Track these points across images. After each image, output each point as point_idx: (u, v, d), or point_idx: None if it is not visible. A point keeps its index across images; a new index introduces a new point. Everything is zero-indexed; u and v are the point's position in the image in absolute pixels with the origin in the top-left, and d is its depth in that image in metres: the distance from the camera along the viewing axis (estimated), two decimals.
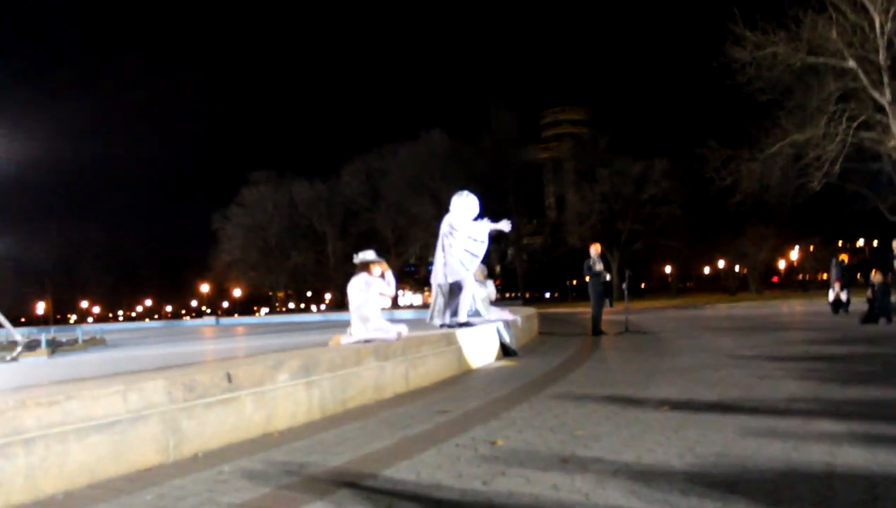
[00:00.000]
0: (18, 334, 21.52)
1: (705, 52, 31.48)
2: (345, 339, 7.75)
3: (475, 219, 10.89)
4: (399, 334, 7.86)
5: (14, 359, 18.36)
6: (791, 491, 3.29)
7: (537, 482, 3.64)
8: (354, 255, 8.18)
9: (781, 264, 76.89)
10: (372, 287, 7.92)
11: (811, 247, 68.95)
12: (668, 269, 77.57)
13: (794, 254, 70.57)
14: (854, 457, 3.82)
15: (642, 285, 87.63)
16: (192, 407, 4.68)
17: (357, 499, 3.50)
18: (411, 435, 5.03)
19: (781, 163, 32.84)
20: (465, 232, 10.65)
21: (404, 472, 3.99)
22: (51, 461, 3.80)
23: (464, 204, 10.82)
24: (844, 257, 21.92)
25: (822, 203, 40.11)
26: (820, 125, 30.42)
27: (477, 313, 11.10)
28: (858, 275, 67.21)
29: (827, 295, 32.26)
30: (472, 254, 10.70)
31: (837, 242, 67.77)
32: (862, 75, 29.04)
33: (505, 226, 11.19)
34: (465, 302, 10.63)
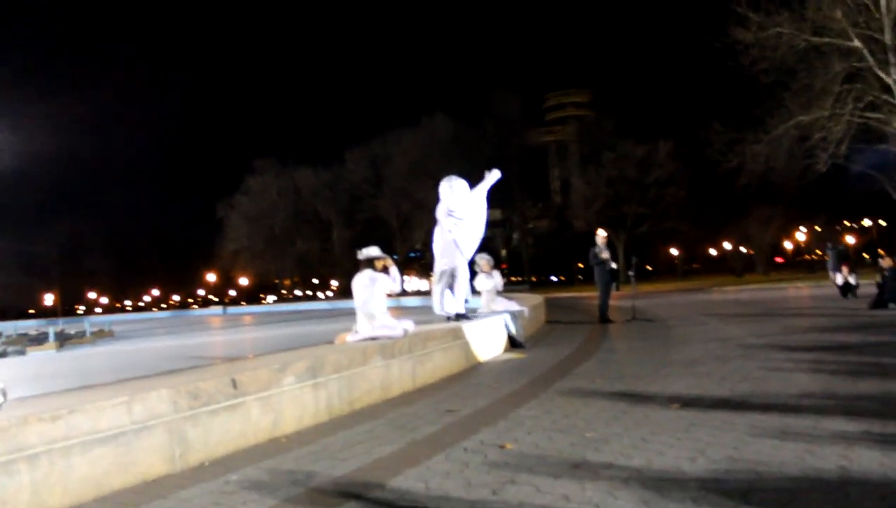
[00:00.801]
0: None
1: (709, 33, 31.26)
2: (350, 337, 7.69)
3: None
4: (405, 331, 7.80)
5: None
6: (805, 499, 3.24)
7: (548, 491, 3.59)
8: (358, 251, 8.10)
9: (788, 245, 76.76)
10: (377, 283, 7.86)
11: (817, 228, 68.75)
12: (674, 252, 77.47)
13: (801, 235, 70.39)
14: (869, 460, 3.75)
15: (648, 268, 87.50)
16: (197, 415, 4.64)
17: None
18: (419, 439, 4.98)
19: (787, 145, 32.57)
20: (464, 209, 10.58)
21: (412, 481, 3.94)
22: (55, 476, 3.76)
23: (454, 188, 10.70)
24: (846, 241, 21.79)
25: (828, 183, 39.84)
26: (826, 106, 30.14)
27: (466, 302, 11.01)
28: (865, 256, 67.15)
29: (829, 277, 32.39)
30: (475, 228, 10.67)
31: (836, 225, 67.42)
32: (868, 55, 28.76)
33: (494, 175, 11.12)
34: (461, 291, 10.56)
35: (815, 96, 30.51)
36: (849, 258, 32.49)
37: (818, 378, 6.50)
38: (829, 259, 32.94)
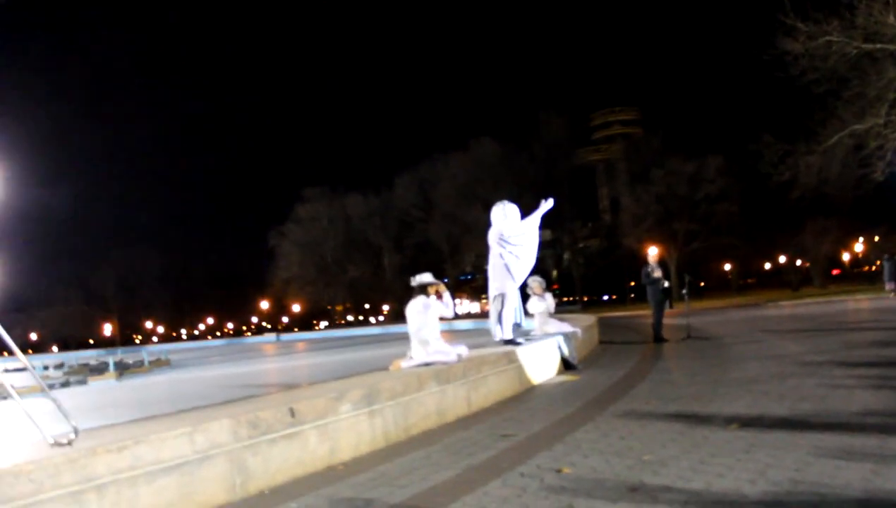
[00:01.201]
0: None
1: (756, 45, 31.04)
2: (405, 363, 7.74)
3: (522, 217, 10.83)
4: (459, 356, 7.82)
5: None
6: None
7: None
8: (412, 279, 8.17)
9: (845, 256, 75.03)
10: (430, 310, 7.90)
11: (876, 238, 67.13)
12: (727, 267, 76.20)
13: (859, 246, 68.77)
14: None
15: (701, 284, 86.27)
16: (256, 444, 4.71)
17: None
18: (475, 464, 4.99)
19: (841, 155, 31.96)
20: (517, 236, 10.57)
21: (470, 507, 3.95)
22: (122, 505, 3.85)
23: (507, 213, 10.72)
24: None
25: (886, 192, 38.97)
26: (880, 113, 29.53)
27: (518, 325, 10.95)
28: None
29: (885, 289, 31.74)
30: (525, 251, 10.62)
31: (855, 240, 65.64)
32: None
33: (548, 204, 11.05)
34: (508, 317, 10.51)
35: (868, 104, 29.92)
36: None
37: (882, 395, 6.35)
38: (885, 269, 32.50)
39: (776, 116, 44.35)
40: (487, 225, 10.88)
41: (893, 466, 4.00)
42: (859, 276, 69.80)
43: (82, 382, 20.47)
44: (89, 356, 46.35)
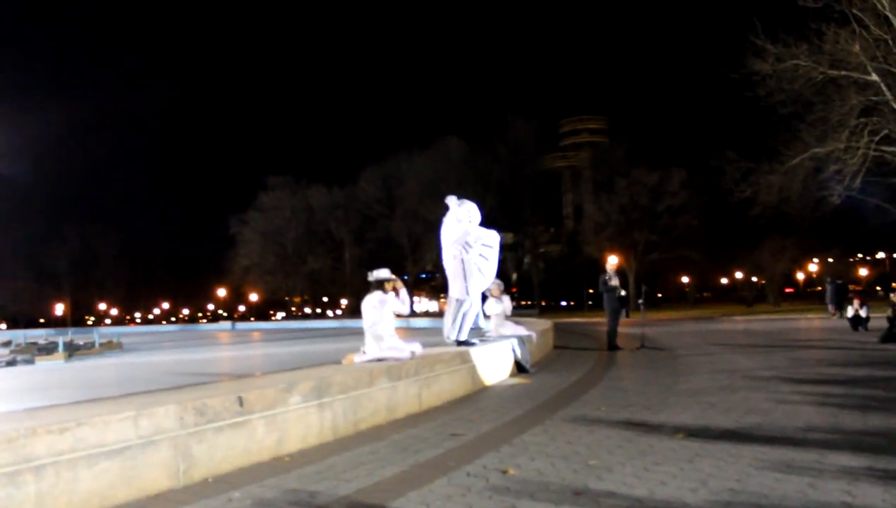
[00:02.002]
0: None
1: (726, 63, 31.28)
2: (358, 358, 7.71)
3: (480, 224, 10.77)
4: (413, 353, 7.82)
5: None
6: None
7: None
8: (369, 273, 8.15)
9: (800, 276, 76.40)
10: (386, 305, 7.89)
11: (829, 259, 68.45)
12: (685, 280, 77.16)
13: (813, 267, 70.10)
14: (873, 497, 3.75)
15: (658, 295, 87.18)
16: (202, 432, 4.67)
17: None
18: (422, 461, 4.99)
19: (801, 176, 32.49)
20: (479, 240, 10.53)
21: (414, 503, 3.95)
22: (61, 488, 3.79)
23: (468, 211, 10.65)
24: (858, 274, 21.94)
25: (842, 215, 39.76)
26: (841, 138, 30.07)
27: (478, 328, 10.95)
28: (878, 289, 66.78)
29: (828, 310, 32.74)
30: (488, 265, 10.57)
31: (848, 258, 67.02)
32: (885, 89, 28.70)
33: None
34: (470, 320, 10.53)
35: (830, 128, 30.46)
36: (847, 292, 33.03)
37: (825, 411, 6.48)
38: (828, 292, 33.60)
39: (741, 134, 44.86)
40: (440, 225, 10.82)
41: (830, 480, 4.09)
42: (812, 296, 71.05)
43: (29, 362, 20.07)
44: (38, 335, 45.48)
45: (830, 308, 32.76)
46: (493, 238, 10.63)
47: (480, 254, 10.45)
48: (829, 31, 28.42)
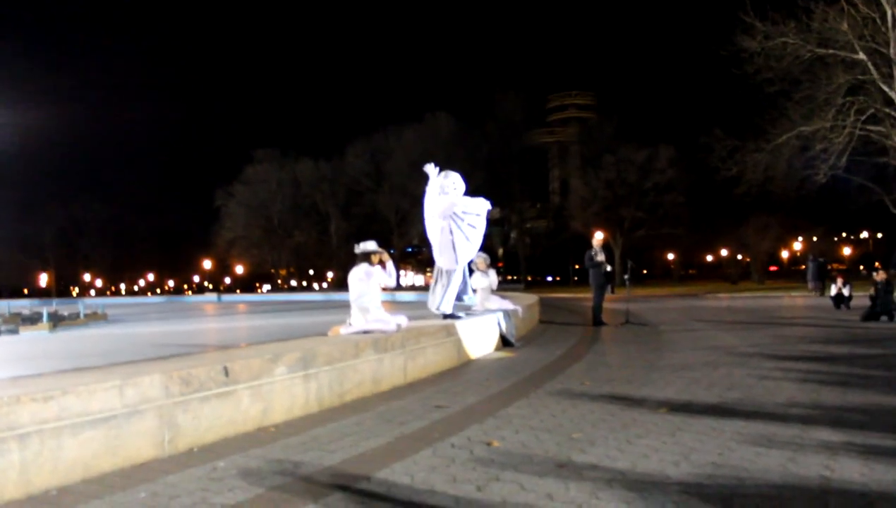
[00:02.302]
0: None
1: (714, 40, 31.36)
2: (344, 330, 7.73)
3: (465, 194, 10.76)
4: (399, 325, 7.84)
5: None
6: (787, 507, 3.28)
7: (532, 489, 3.63)
8: (356, 245, 8.14)
9: (784, 254, 76.94)
10: (372, 278, 7.89)
11: (814, 238, 68.90)
12: (670, 256, 77.51)
13: (798, 245, 70.58)
14: (851, 471, 3.80)
15: (644, 272, 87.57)
16: (188, 401, 4.67)
17: (350, 503, 3.49)
18: (407, 433, 5.02)
19: (788, 155, 32.60)
20: (467, 211, 10.53)
21: (399, 474, 3.98)
22: (45, 456, 3.79)
23: (453, 182, 10.64)
24: (842, 253, 22.21)
25: (826, 194, 39.96)
26: (828, 117, 30.15)
27: (461, 299, 10.96)
28: (861, 268, 67.33)
29: (808, 288, 33.14)
30: (476, 234, 10.58)
31: (833, 236, 67.39)
32: (872, 68, 28.77)
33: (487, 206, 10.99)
34: (453, 292, 10.54)
35: (817, 107, 30.53)
36: (828, 271, 33.47)
37: (806, 387, 6.55)
38: (809, 270, 34.01)
39: (728, 112, 45.09)
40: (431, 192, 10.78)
41: (810, 455, 4.14)
42: (796, 274, 71.60)
43: (13, 332, 20.02)
44: (22, 305, 45.21)
45: (811, 285, 33.15)
46: (481, 206, 10.64)
47: (469, 224, 10.46)
48: (818, 8, 28.42)
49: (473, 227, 10.50)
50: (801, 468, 3.88)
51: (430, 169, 10.77)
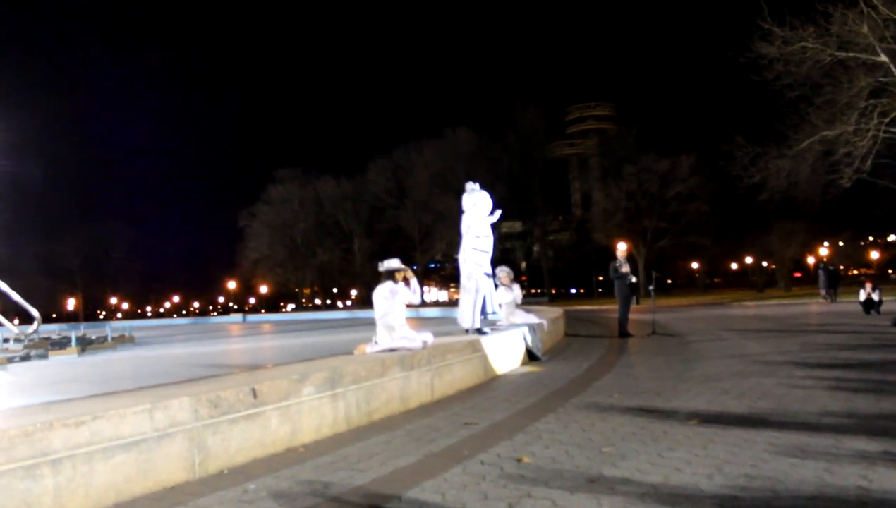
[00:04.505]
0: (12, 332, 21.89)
1: (732, 47, 31.11)
2: (370, 348, 7.73)
3: (491, 212, 10.80)
4: (424, 342, 7.82)
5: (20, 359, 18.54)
6: None
7: (564, 505, 3.60)
8: (379, 264, 8.15)
9: (810, 260, 76.19)
10: (397, 295, 7.89)
11: (840, 243, 68.19)
12: (695, 266, 76.98)
13: (823, 250, 69.88)
14: (890, 481, 3.73)
15: (668, 281, 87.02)
16: (217, 424, 4.68)
17: None
18: (436, 451, 5.00)
19: (811, 160, 32.33)
20: (473, 229, 10.58)
21: (429, 493, 3.96)
22: (78, 481, 3.81)
23: (474, 198, 10.69)
24: (870, 257, 22.04)
25: (852, 199, 39.55)
26: (850, 121, 29.87)
27: (485, 317, 10.95)
28: (890, 272, 66.46)
29: (820, 295, 32.93)
30: (482, 251, 10.61)
31: (860, 241, 66.42)
32: (894, 70, 28.49)
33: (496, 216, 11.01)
34: (477, 307, 10.53)
35: (839, 111, 30.26)
36: (839, 278, 33.36)
37: (839, 396, 6.45)
38: (820, 277, 33.82)
39: (749, 118, 44.78)
40: (460, 212, 10.87)
41: (847, 465, 4.07)
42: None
43: (43, 356, 20.14)
44: (51, 330, 45.66)
45: (822, 292, 32.94)
46: (485, 228, 10.68)
47: (475, 248, 10.50)
48: (837, 12, 28.17)
49: (479, 237, 10.54)
50: (837, 479, 3.82)
51: (468, 186, 10.87)
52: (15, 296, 19.40)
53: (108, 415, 4.03)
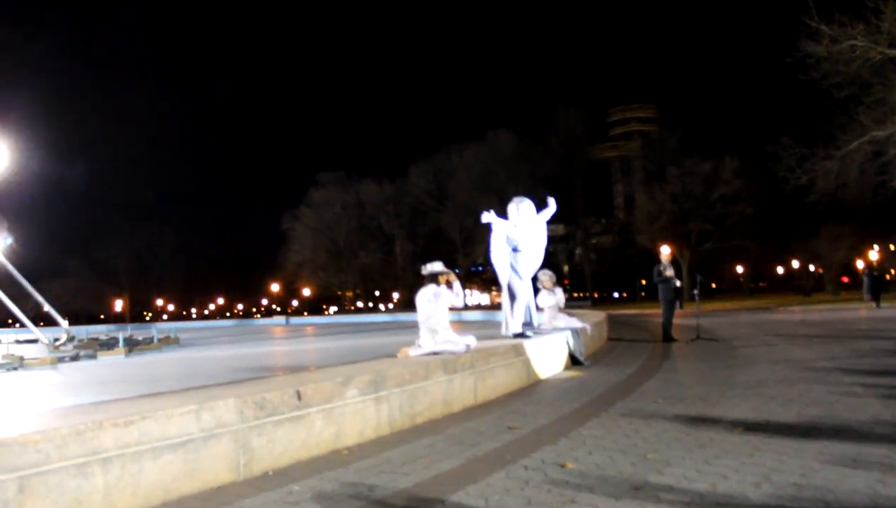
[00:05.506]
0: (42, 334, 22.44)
1: (779, 47, 30.84)
2: (413, 352, 7.74)
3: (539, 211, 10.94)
4: (468, 346, 7.82)
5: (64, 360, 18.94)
6: None
7: None
8: (422, 267, 8.17)
9: (860, 264, 74.68)
10: (440, 299, 7.90)
11: (892, 246, 66.74)
12: (740, 269, 75.91)
13: (874, 254, 68.44)
14: None
15: (713, 285, 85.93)
16: (262, 425, 4.73)
17: None
18: (480, 455, 4.99)
19: (860, 161, 31.71)
20: (525, 237, 10.67)
21: (473, 497, 3.95)
22: (127, 480, 3.87)
23: (519, 211, 10.81)
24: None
25: None
26: None
27: (529, 323, 10.92)
28: None
29: (864, 300, 32.30)
30: (535, 253, 10.73)
31: (869, 248, 64.64)
32: None
33: (551, 207, 11.06)
34: (519, 312, 10.53)
35: (890, 110, 29.65)
36: (884, 284, 32.70)
37: (892, 404, 6.31)
38: (864, 283, 33.15)
39: (795, 119, 44.03)
40: (502, 216, 10.92)
41: None
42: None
43: (92, 357, 20.53)
44: (99, 331, 46.54)
45: (867, 298, 32.32)
46: (531, 234, 10.77)
47: (515, 252, 10.60)
48: (888, 8, 27.55)
49: (525, 249, 10.62)
50: (891, 490, 3.72)
51: (510, 208, 11.03)
52: (47, 307, 20.10)
53: (156, 415, 4.09)
